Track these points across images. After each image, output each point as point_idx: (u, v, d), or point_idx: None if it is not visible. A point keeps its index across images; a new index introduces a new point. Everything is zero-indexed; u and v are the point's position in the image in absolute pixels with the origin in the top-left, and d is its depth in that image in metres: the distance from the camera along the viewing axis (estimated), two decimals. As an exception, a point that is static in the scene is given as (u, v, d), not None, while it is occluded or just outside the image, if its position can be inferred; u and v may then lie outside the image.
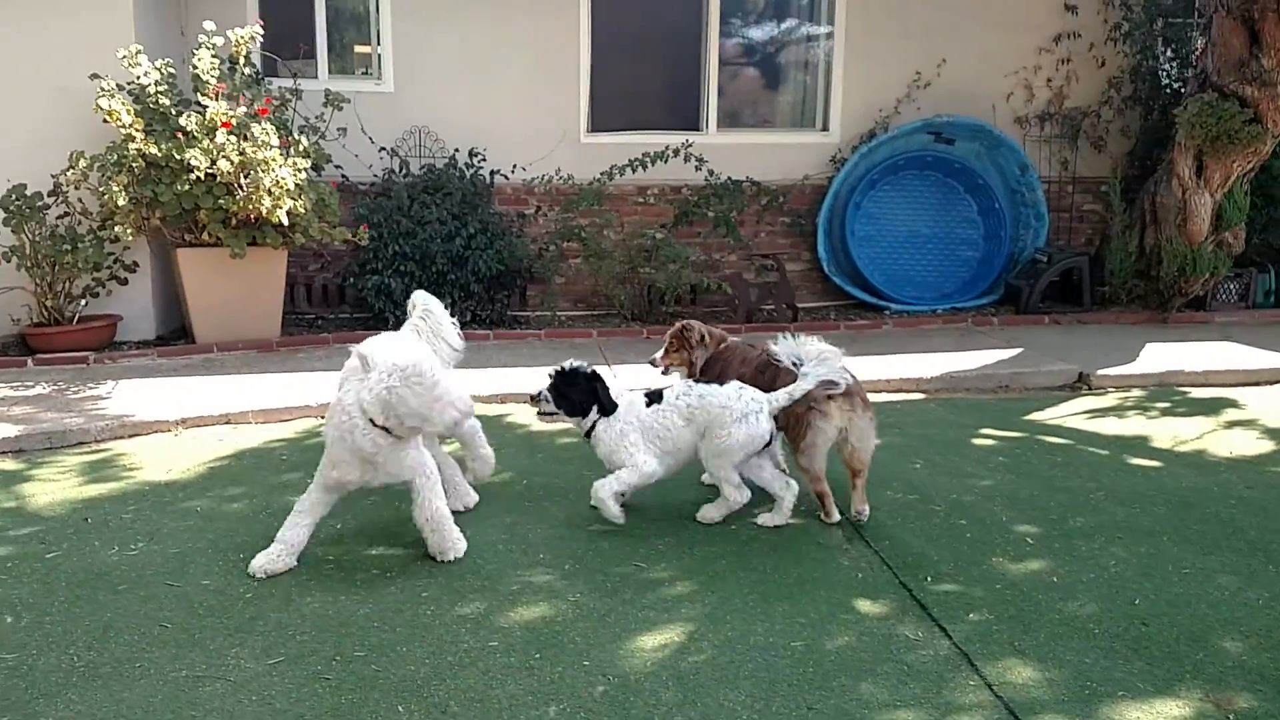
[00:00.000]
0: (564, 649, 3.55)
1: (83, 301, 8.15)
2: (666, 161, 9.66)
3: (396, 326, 8.85)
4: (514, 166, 9.78)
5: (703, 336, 5.19)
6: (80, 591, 4.00)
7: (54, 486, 5.22)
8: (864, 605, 3.89)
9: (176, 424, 6.26)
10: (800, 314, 9.79)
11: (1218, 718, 3.18)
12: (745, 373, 4.89)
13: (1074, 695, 3.28)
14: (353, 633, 3.68)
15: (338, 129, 8.96)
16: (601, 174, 9.60)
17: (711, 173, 9.94)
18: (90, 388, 7.08)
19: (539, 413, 4.73)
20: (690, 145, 9.81)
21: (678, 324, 5.26)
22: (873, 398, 6.66)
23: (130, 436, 6.11)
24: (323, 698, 3.27)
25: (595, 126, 10.33)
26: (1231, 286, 9.58)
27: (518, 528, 4.65)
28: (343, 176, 9.25)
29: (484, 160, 9.71)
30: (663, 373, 5.27)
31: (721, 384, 4.68)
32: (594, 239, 9.68)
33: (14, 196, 7.83)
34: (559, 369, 4.68)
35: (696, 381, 4.92)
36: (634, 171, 9.59)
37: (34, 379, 7.38)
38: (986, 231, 10.43)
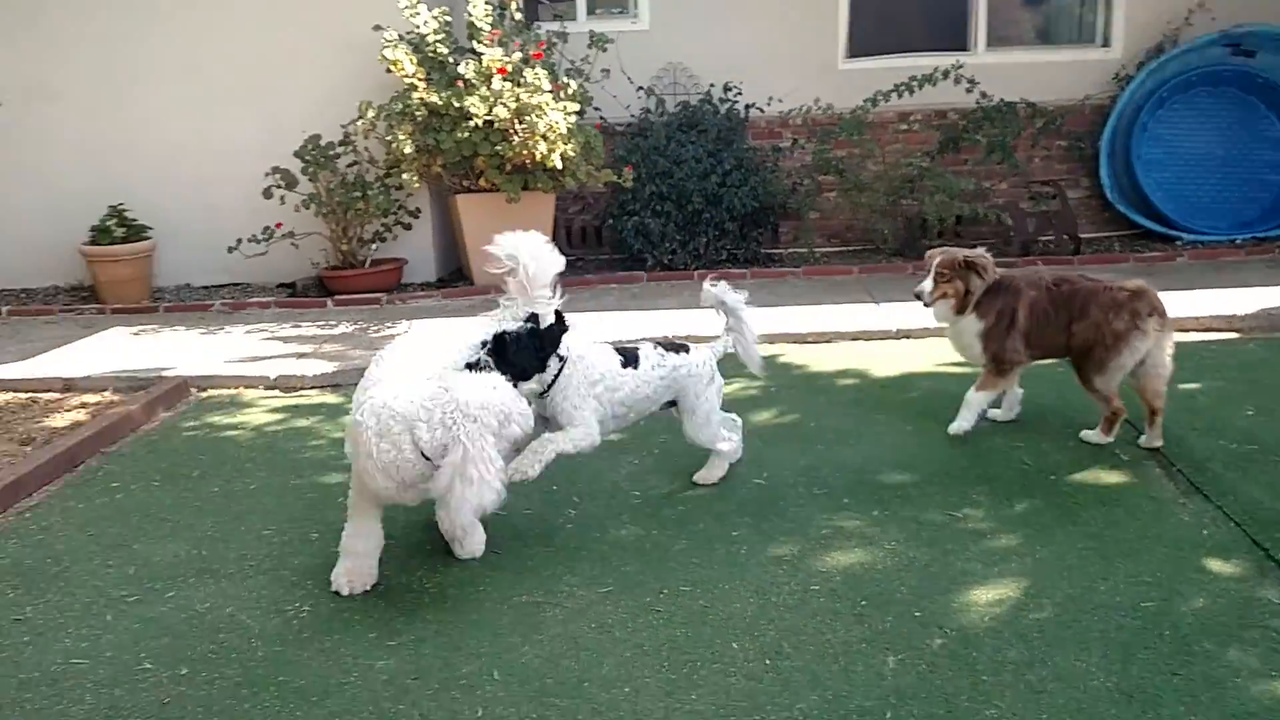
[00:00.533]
0: (891, 598, 3.48)
1: (373, 246, 8.69)
2: (934, 85, 9.18)
3: (654, 267, 9.04)
4: (769, 99, 9.59)
5: (981, 264, 4.69)
6: (416, 518, 4.27)
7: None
8: (1215, 565, 3.59)
9: (470, 361, 6.56)
10: (1082, 245, 9.16)
11: None
12: (1036, 295, 4.64)
13: None
14: (673, 567, 3.75)
15: (601, 70, 9.04)
16: (865, 101, 9.25)
17: (983, 95, 9.38)
18: (387, 327, 7.55)
19: None
20: (960, 66, 9.27)
21: (941, 252, 4.76)
22: (1179, 338, 6.16)
23: (429, 373, 6.46)
24: (657, 629, 3.35)
25: (854, 52, 9.96)
26: None
27: (815, 471, 4.59)
28: (601, 118, 9.37)
29: (739, 94, 9.57)
30: (926, 305, 4.78)
31: (1006, 314, 4.54)
32: (853, 171, 9.39)
33: (309, 147, 8.40)
34: (483, 342, 3.85)
35: (962, 314, 4.70)
36: (898, 97, 9.18)
37: (336, 319, 7.95)
38: (1295, 154, 9.37)
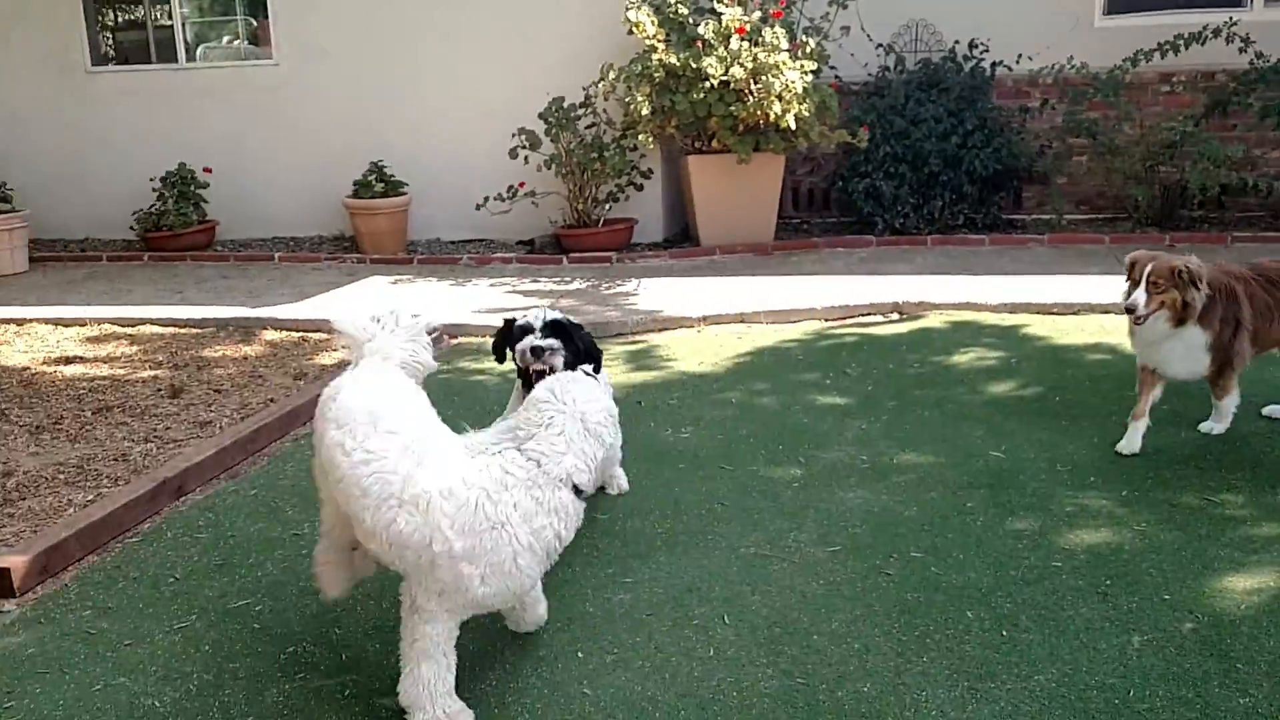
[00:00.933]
0: (1138, 579, 3.33)
1: (606, 206, 8.96)
2: (1203, 44, 8.48)
3: (884, 231, 8.86)
4: (1017, 57, 9.14)
5: (1198, 275, 4.03)
6: (648, 466, 4.44)
7: (607, 371, 5.81)
8: None
9: (699, 321, 6.71)
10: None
11: None
12: (1251, 290, 4.19)
13: None
14: (903, 533, 3.74)
15: (840, 28, 8.89)
16: (1124, 60, 8.65)
17: (1259, 55, 8.58)
18: (618, 285, 7.80)
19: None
20: (1233, 24, 8.51)
21: (1150, 258, 4.10)
22: None
23: (660, 330, 6.65)
24: (887, 591, 3.36)
25: (1112, 8, 9.33)
26: None
27: (1058, 447, 4.42)
28: (836, 77, 9.22)
29: (985, 51, 9.17)
30: (1139, 320, 4.11)
31: (1230, 319, 4.10)
32: (1107, 134, 8.83)
33: (553, 108, 8.72)
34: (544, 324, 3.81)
35: (1182, 327, 4.10)
36: (1160, 57, 8.54)
37: (570, 275, 8.28)
38: None
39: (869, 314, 6.64)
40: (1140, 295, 4.06)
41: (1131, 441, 4.31)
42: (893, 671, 2.93)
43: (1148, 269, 4.06)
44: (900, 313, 6.60)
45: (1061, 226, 8.88)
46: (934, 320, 6.41)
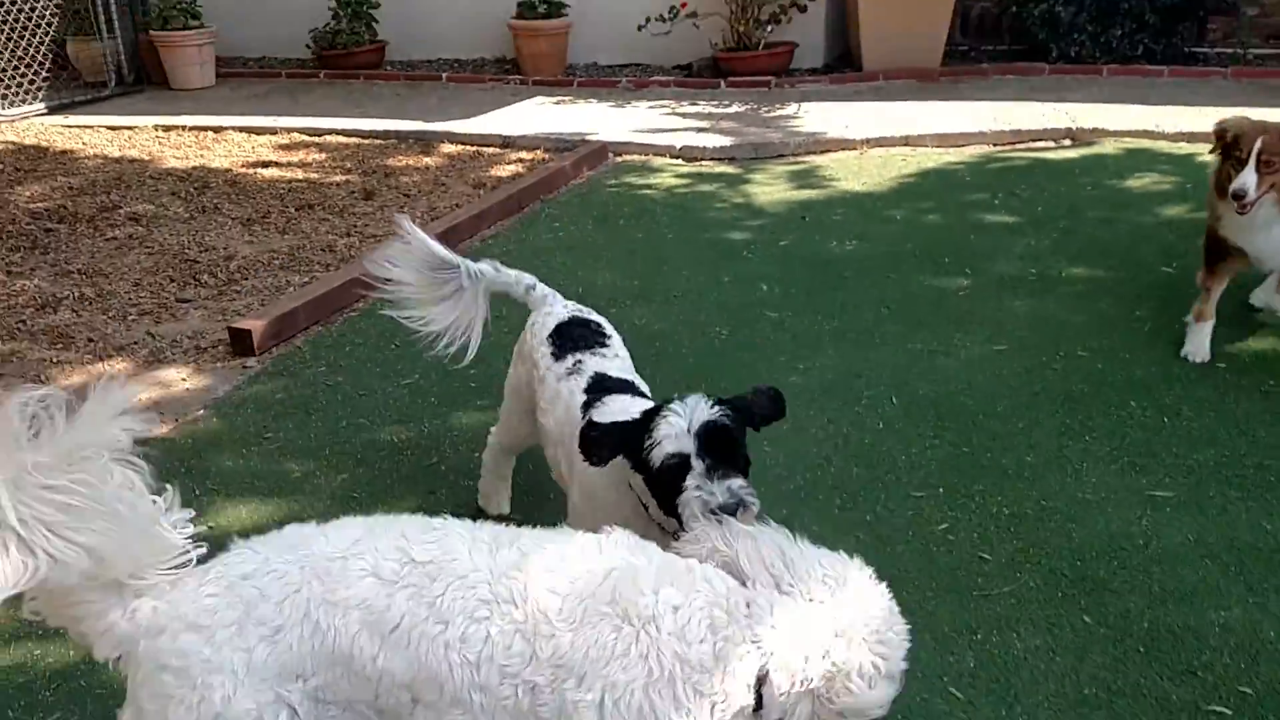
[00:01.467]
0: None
1: (768, 27, 8.87)
2: None
3: (1058, 60, 8.52)
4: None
5: None
6: (814, 273, 4.65)
7: (770, 189, 5.98)
8: None
9: (862, 144, 6.74)
10: None
11: None
12: None
13: None
14: (1070, 336, 3.88)
15: None
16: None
17: None
18: (778, 108, 7.83)
19: None
20: None
21: (1258, 129, 3.41)
22: None
23: (822, 152, 6.72)
24: (1053, 383, 3.55)
25: None
26: None
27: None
28: (1017, -107, 8.74)
29: None
30: (1245, 205, 3.39)
31: None
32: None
33: (717, -74, 8.58)
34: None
35: None
36: None
37: (728, 99, 8.32)
38: None
39: (1040, 139, 6.56)
40: (1250, 177, 3.36)
41: (1201, 347, 3.65)
42: (1055, 447, 3.16)
43: (1257, 145, 3.36)
44: (1073, 139, 6.50)
45: (1248, 60, 8.39)
46: (1108, 146, 6.29)
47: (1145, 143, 6.32)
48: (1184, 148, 6.22)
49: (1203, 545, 2.69)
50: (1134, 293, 4.21)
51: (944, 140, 6.68)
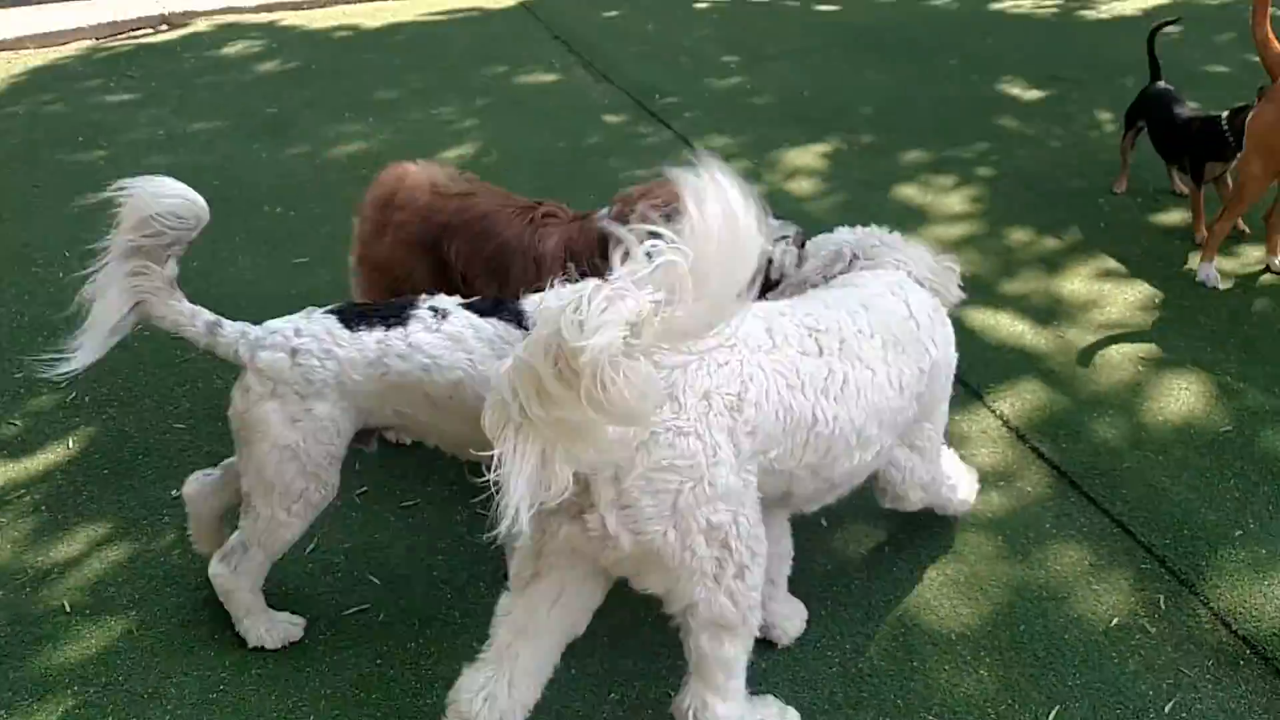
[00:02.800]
0: None
1: None
2: None
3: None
4: None
5: None
6: None
7: None
8: (609, 117, 5.13)
9: None
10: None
11: (850, 149, 4.68)
12: None
13: (755, 150, 4.69)
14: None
15: None
16: None
17: None
18: None
19: None
20: None
21: None
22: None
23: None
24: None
25: None
26: None
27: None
28: None
29: None
30: None
31: None
32: None
33: None
34: None
35: None
36: None
37: None
38: None
39: (139, 27, 6.94)
40: None
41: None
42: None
43: None
44: (169, 24, 7.01)
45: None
46: (201, 25, 6.95)
47: (233, 18, 7.13)
48: (265, 18, 7.17)
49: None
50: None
51: (46, 40, 6.71)
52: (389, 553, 2.50)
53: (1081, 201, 4.13)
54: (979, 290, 3.44)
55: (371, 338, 2.03)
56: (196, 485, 2.30)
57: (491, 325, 2.06)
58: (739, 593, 1.78)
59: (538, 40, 6.41)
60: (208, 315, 2.07)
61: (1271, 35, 3.47)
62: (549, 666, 1.89)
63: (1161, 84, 4.09)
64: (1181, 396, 2.96)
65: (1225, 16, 6.47)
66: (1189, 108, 3.96)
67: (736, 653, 1.83)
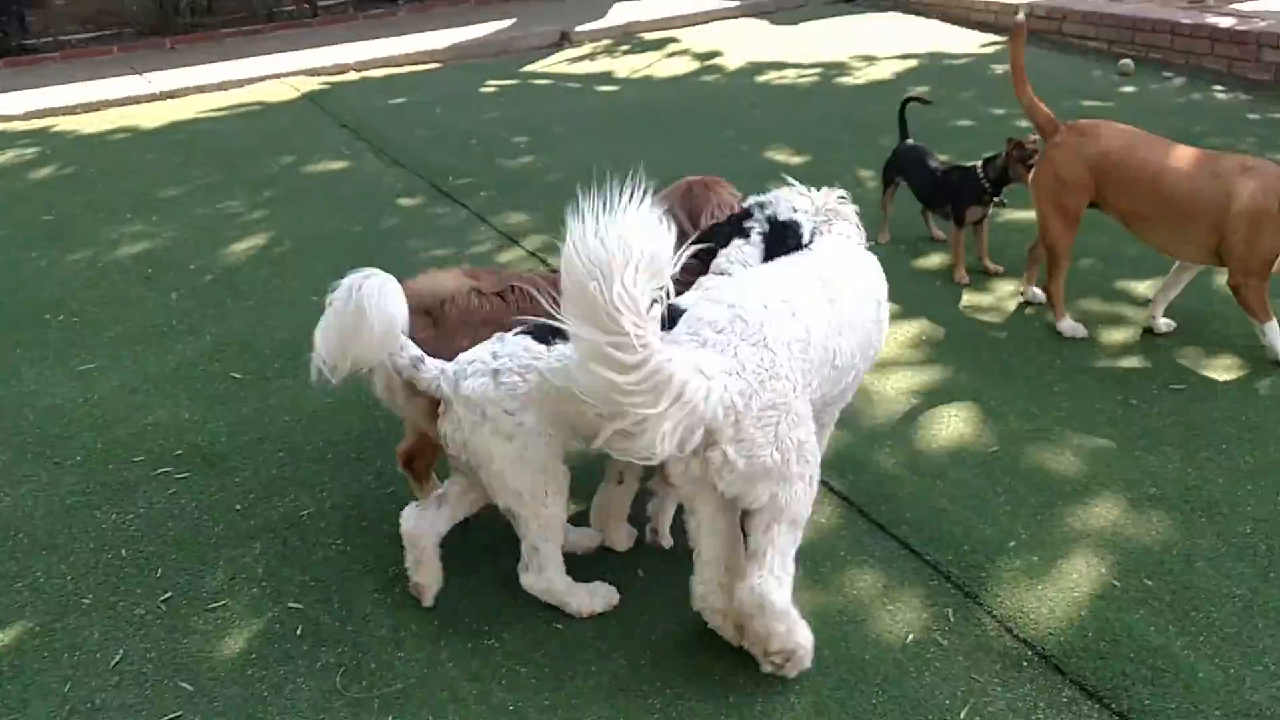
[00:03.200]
0: None
1: None
2: None
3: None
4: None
5: None
6: None
7: None
8: (404, 200, 5.17)
9: None
10: (319, 10, 10.28)
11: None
12: None
13: (551, 223, 4.81)
14: None
15: None
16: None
17: None
18: None
19: None
20: None
21: None
22: (396, 71, 7.77)
23: None
24: None
25: None
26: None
27: None
28: None
29: None
30: None
31: None
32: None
33: None
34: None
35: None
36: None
37: None
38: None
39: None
40: None
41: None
42: None
43: None
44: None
45: (74, 45, 9.30)
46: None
47: (1, 126, 6.81)
48: (35, 123, 6.87)
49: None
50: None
51: None
52: (199, 657, 2.41)
53: (853, 253, 4.45)
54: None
55: (568, 349, 2.13)
56: (415, 520, 2.47)
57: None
58: (810, 494, 2.27)
59: (324, 130, 6.41)
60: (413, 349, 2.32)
61: (1035, 98, 3.74)
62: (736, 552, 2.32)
63: (910, 142, 4.50)
64: (952, 423, 3.23)
65: (967, 74, 7.15)
66: (939, 160, 4.38)
67: (794, 544, 2.29)
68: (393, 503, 2.87)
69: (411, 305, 2.40)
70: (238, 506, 2.93)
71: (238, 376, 3.60)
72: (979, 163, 4.13)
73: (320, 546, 2.76)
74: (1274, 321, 3.45)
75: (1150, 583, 2.53)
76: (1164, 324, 3.69)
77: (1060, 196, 3.63)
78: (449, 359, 2.40)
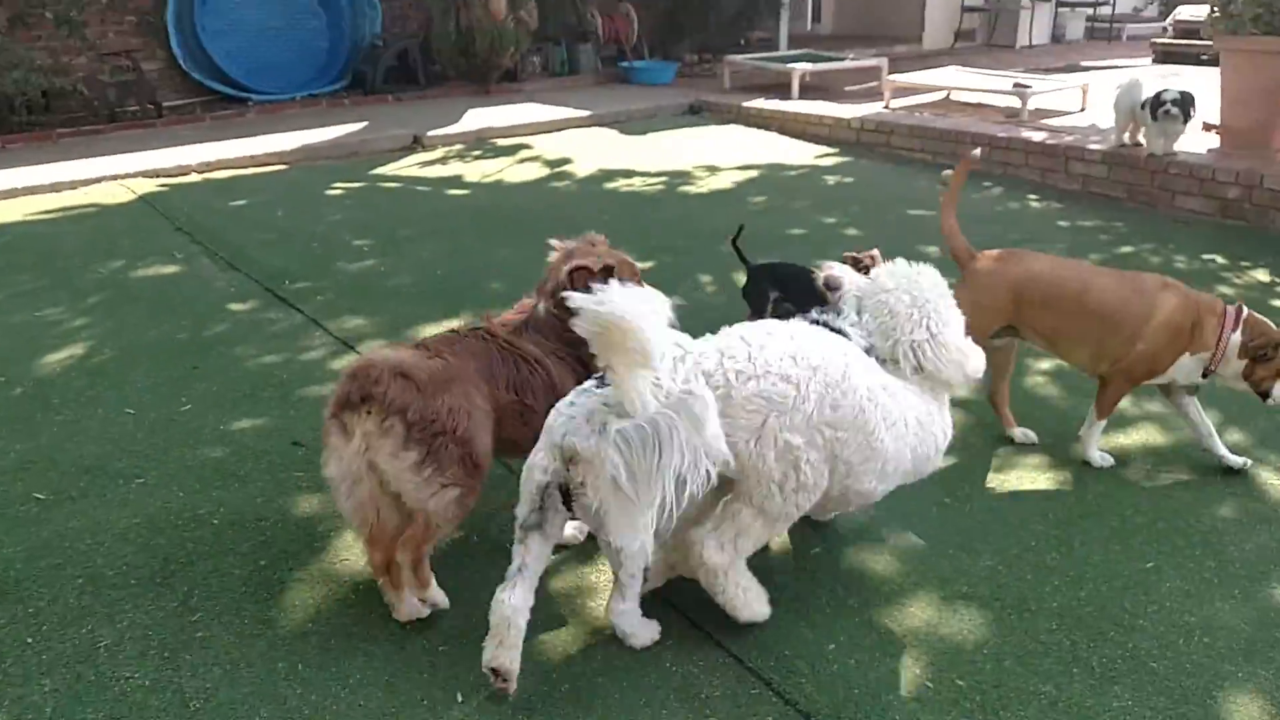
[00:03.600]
0: None
1: None
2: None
3: None
4: None
5: None
6: None
7: None
8: (235, 305, 5.04)
9: None
10: (164, 111, 10.08)
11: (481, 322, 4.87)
12: None
13: (391, 328, 4.76)
14: None
15: None
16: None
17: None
18: None
19: None
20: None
21: None
22: (241, 173, 7.66)
23: None
24: None
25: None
26: (535, 60, 11.71)
27: None
28: None
29: None
30: None
31: None
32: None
33: None
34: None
35: None
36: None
37: None
38: (330, 21, 11.38)
39: None
40: None
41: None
42: None
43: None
44: None
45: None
46: None
47: None
48: None
49: None
50: None
51: None
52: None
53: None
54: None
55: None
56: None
57: None
58: (790, 501, 2.57)
59: (159, 233, 6.22)
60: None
61: (956, 227, 3.77)
62: None
63: (767, 262, 4.63)
64: (780, 526, 3.28)
65: (802, 184, 7.49)
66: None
67: (758, 531, 2.62)
68: (199, 629, 2.72)
69: (386, 371, 2.56)
70: (29, 639, 2.72)
71: (40, 497, 3.38)
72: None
73: (117, 681, 2.57)
74: (1103, 423, 3.64)
75: (962, 683, 2.58)
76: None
77: (976, 319, 3.47)
78: (442, 422, 2.57)
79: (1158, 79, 7.44)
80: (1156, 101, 6.77)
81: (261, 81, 10.75)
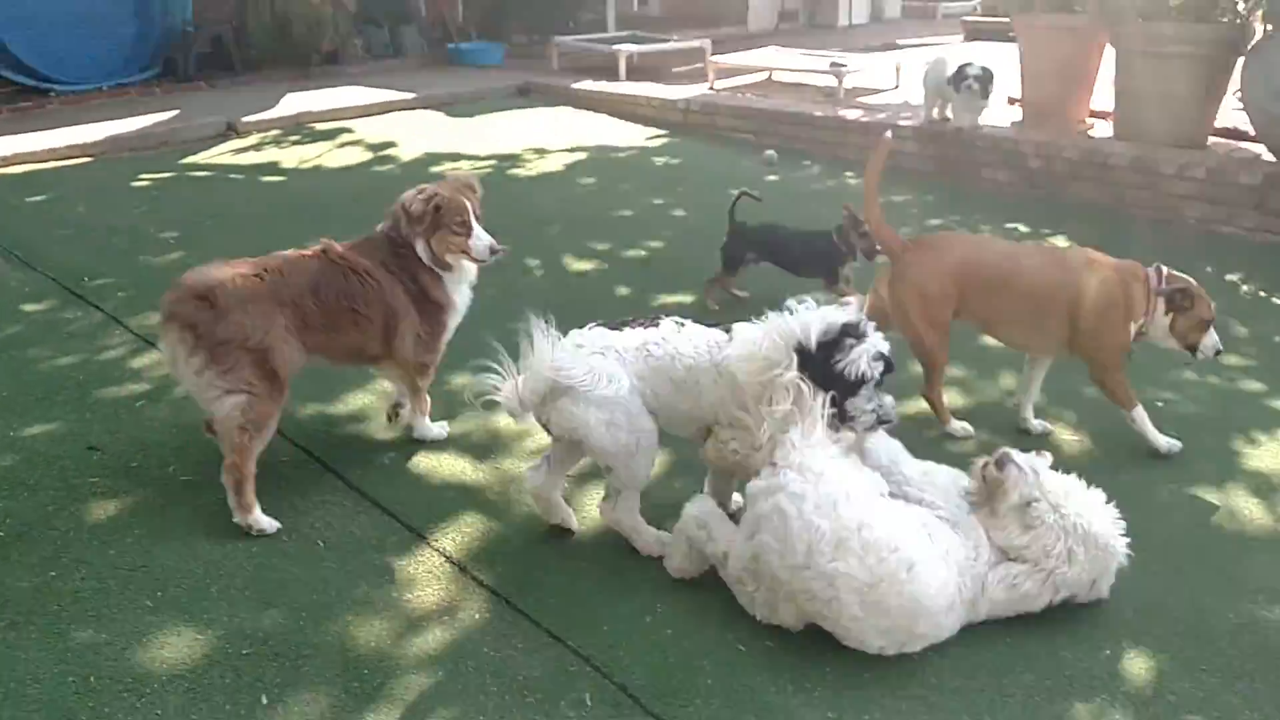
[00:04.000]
0: None
1: None
2: None
3: None
4: None
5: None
6: None
7: None
8: (29, 306, 4.73)
9: None
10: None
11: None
12: None
13: (199, 324, 4.55)
14: None
15: None
16: None
17: None
18: None
19: None
20: None
21: None
22: (40, 167, 7.19)
23: None
24: None
25: None
26: (358, 43, 11.36)
27: None
28: None
29: None
30: None
31: None
32: None
33: None
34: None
35: None
36: None
37: None
38: (137, 8, 10.72)
39: None
40: None
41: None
42: None
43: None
44: None
45: None
46: None
47: None
48: None
49: None
50: None
51: None
52: None
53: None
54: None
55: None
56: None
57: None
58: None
59: (-57, 233, 5.77)
60: None
61: (881, 217, 3.74)
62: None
63: (747, 223, 4.77)
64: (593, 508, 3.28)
65: (630, 166, 7.55)
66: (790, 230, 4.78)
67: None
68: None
69: (187, 293, 3.02)
70: None
71: None
72: (833, 230, 4.68)
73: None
74: (1140, 408, 3.62)
75: (770, 644, 2.66)
76: (1037, 425, 3.82)
77: (930, 310, 3.62)
78: (229, 336, 2.97)
79: (965, 56, 7.79)
80: (959, 77, 7.11)
81: (64, 71, 10.03)
